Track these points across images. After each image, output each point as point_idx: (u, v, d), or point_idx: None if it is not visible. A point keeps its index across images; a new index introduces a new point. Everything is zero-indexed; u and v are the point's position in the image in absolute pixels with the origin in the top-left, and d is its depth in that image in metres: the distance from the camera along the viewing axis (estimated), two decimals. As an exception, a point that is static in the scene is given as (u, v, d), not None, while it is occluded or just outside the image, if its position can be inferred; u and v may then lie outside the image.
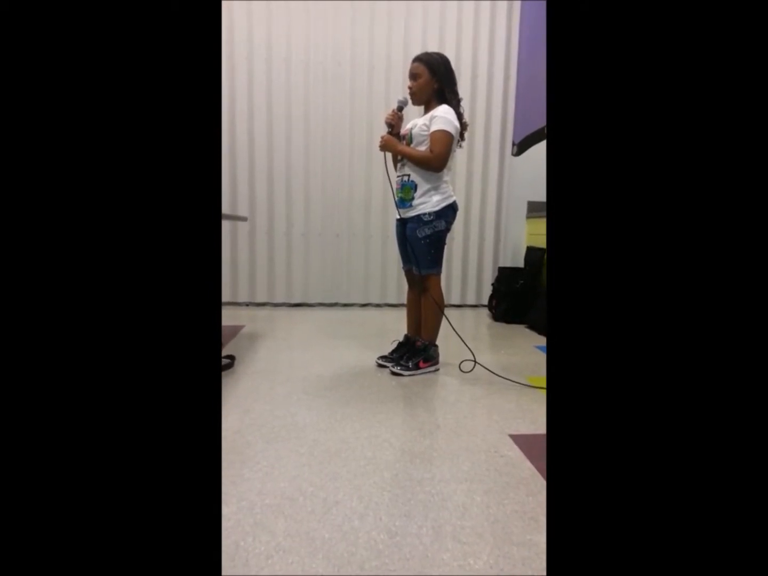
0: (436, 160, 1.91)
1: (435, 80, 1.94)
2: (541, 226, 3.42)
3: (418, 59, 1.96)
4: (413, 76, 1.96)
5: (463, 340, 2.14)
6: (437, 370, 2.08)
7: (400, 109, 2.01)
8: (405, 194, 2.00)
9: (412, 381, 1.94)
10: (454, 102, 1.95)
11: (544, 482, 1.16)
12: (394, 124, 2.00)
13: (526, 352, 2.49)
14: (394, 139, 1.99)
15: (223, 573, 0.83)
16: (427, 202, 1.96)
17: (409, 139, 1.98)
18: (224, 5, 3.31)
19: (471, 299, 3.87)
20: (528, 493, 1.12)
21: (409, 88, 1.98)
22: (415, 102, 2.00)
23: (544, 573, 0.85)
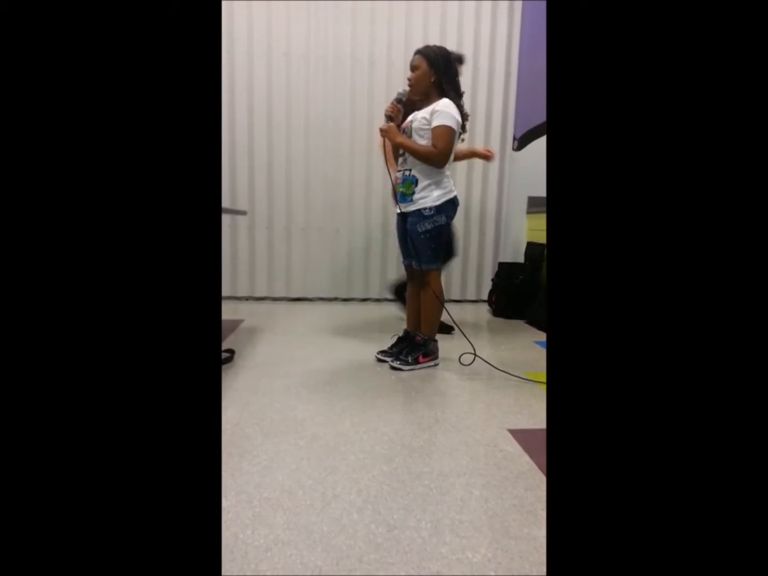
0: (439, 156, 1.91)
1: (433, 72, 1.93)
2: (541, 221, 3.41)
3: (417, 52, 1.96)
4: (413, 68, 1.96)
5: (462, 333, 2.14)
6: (437, 364, 2.08)
7: (399, 101, 2.00)
8: (406, 189, 2.00)
9: (412, 375, 1.95)
10: (452, 94, 1.94)
11: (542, 477, 1.17)
12: (394, 116, 1.99)
13: (526, 347, 2.49)
14: (395, 129, 1.98)
15: (223, 565, 0.83)
16: (428, 197, 1.96)
17: (409, 132, 1.97)
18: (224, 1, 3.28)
19: (471, 294, 3.87)
20: (526, 487, 1.12)
21: (408, 80, 1.98)
22: (414, 94, 2.00)
23: (542, 566, 0.86)
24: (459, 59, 2.42)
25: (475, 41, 3.58)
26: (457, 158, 2.64)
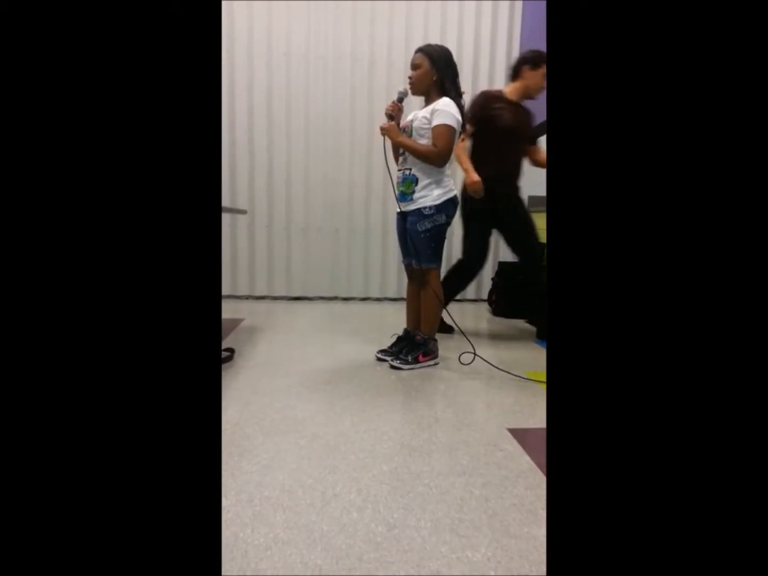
0: (438, 155, 1.91)
1: (434, 71, 1.93)
2: (541, 220, 3.40)
3: (419, 50, 1.96)
4: (414, 66, 1.96)
5: (463, 333, 2.15)
6: (436, 364, 2.08)
7: (400, 100, 2.00)
8: (406, 188, 2.00)
9: (411, 375, 1.95)
10: (453, 94, 1.94)
11: (542, 476, 1.17)
12: (395, 115, 1.99)
13: (526, 346, 2.49)
14: (396, 128, 1.98)
15: (223, 564, 0.83)
16: (428, 196, 1.96)
17: (410, 132, 1.97)
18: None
19: (471, 294, 3.87)
20: (526, 486, 1.12)
21: (409, 78, 1.98)
22: (415, 92, 2.00)
23: (542, 565, 0.86)
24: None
25: (475, 41, 3.58)
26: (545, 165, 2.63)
